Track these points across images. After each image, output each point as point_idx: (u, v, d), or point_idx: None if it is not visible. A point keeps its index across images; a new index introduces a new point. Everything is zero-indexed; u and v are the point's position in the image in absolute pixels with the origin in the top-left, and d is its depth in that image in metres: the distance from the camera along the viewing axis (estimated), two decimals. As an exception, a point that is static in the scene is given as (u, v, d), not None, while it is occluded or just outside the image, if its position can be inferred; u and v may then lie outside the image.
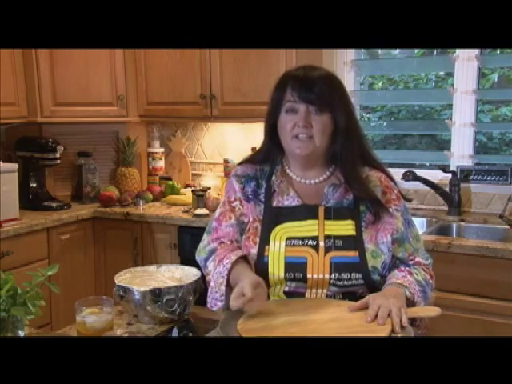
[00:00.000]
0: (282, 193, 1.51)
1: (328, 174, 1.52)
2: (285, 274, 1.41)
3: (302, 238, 1.43)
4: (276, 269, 1.42)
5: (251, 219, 1.50)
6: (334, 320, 1.27)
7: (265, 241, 1.45)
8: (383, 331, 1.20)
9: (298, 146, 1.45)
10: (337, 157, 1.49)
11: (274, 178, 1.52)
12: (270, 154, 1.55)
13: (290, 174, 1.54)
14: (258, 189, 1.53)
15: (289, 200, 1.49)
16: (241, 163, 1.61)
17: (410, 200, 1.61)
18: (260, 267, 1.43)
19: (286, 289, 1.43)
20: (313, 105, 1.42)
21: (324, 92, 1.42)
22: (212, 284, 1.43)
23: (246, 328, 1.24)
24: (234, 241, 1.51)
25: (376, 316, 1.25)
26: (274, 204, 1.50)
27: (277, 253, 1.42)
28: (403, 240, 1.48)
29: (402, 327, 1.23)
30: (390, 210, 1.47)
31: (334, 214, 1.46)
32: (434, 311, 1.32)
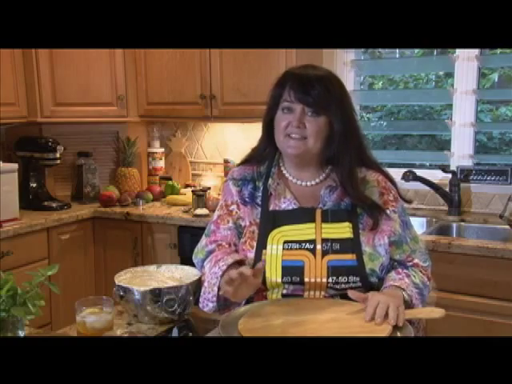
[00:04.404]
0: (278, 196, 1.50)
1: (324, 175, 1.51)
2: (282, 277, 1.41)
3: (300, 242, 1.43)
4: (273, 272, 1.41)
5: (248, 223, 1.50)
6: (334, 320, 1.27)
7: (262, 244, 1.44)
8: (383, 332, 1.20)
9: (289, 145, 1.44)
10: (333, 159, 1.47)
11: (270, 180, 1.51)
12: (266, 151, 1.54)
13: (286, 175, 1.53)
14: (255, 191, 1.52)
15: (286, 203, 1.49)
16: (239, 164, 1.60)
17: (410, 202, 1.60)
18: None
19: (284, 291, 1.43)
20: (309, 107, 1.42)
21: (321, 95, 1.41)
22: (206, 284, 1.42)
23: (247, 328, 1.24)
24: (232, 244, 1.51)
25: (374, 315, 1.25)
26: (271, 207, 1.49)
27: (274, 256, 1.42)
28: (400, 242, 1.47)
29: (401, 327, 1.22)
30: (388, 211, 1.46)
31: (331, 216, 1.45)
32: (437, 313, 1.30)
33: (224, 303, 1.40)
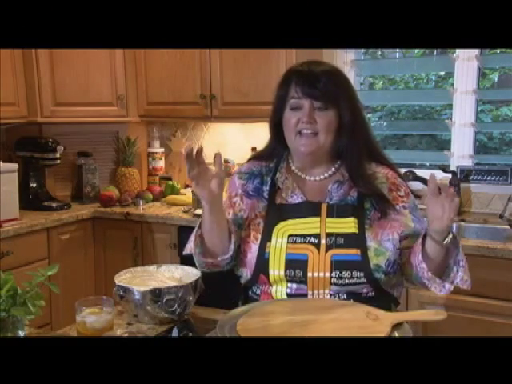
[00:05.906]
0: (286, 190, 1.51)
1: (333, 170, 1.51)
2: (285, 270, 1.41)
3: (304, 236, 1.43)
4: (276, 265, 1.41)
5: (253, 215, 1.50)
6: (333, 320, 1.26)
7: (267, 237, 1.45)
8: (381, 333, 1.19)
9: (302, 144, 1.44)
10: (342, 153, 1.48)
11: (278, 174, 1.52)
12: (274, 151, 1.56)
13: (296, 170, 1.54)
14: (261, 185, 1.53)
15: (293, 197, 1.49)
16: (248, 160, 1.62)
17: (419, 197, 1.59)
18: (260, 263, 1.43)
19: (288, 291, 1.43)
20: (317, 101, 1.42)
21: (329, 88, 1.41)
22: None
23: (246, 328, 1.24)
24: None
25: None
26: (278, 201, 1.50)
27: (278, 249, 1.42)
28: (418, 233, 1.43)
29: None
30: (397, 207, 1.46)
31: (336, 211, 1.45)
32: (439, 315, 1.28)
33: (201, 247, 1.48)
